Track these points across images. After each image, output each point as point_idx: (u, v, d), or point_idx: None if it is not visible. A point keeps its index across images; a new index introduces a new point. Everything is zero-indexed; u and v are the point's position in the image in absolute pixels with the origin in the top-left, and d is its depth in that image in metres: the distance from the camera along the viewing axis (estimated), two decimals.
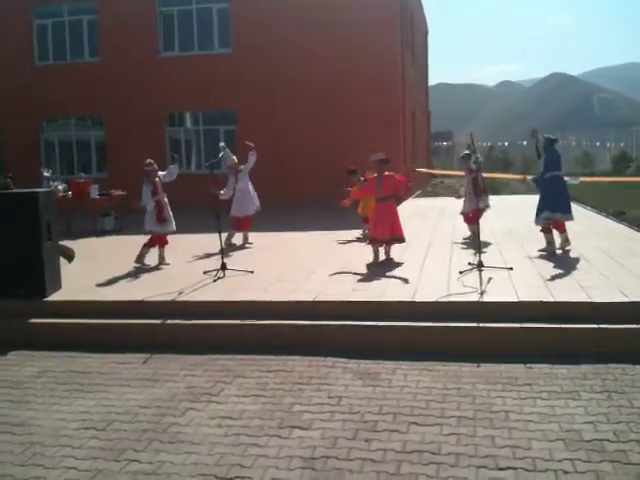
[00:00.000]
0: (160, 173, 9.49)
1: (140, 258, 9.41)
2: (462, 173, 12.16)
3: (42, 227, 7.43)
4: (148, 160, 9.49)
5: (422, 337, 6.13)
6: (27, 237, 7.39)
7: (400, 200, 15.60)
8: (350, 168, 11.27)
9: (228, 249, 10.60)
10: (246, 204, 11.14)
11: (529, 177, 10.03)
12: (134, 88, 20.71)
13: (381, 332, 6.25)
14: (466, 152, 10.72)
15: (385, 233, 8.77)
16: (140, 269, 9.14)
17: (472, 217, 10.06)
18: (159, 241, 9.52)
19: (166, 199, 9.53)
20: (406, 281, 7.52)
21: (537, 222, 9.15)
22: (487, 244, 10.02)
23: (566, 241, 9.08)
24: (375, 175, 9.00)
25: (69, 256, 9.21)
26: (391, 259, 8.93)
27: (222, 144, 11.54)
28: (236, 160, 11.16)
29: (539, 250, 9.06)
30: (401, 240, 9.00)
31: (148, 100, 20.61)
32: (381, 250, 8.97)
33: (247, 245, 11.20)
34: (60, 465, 4.07)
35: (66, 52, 22.04)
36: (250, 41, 20.01)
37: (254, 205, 11.30)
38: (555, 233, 9.09)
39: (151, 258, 9.52)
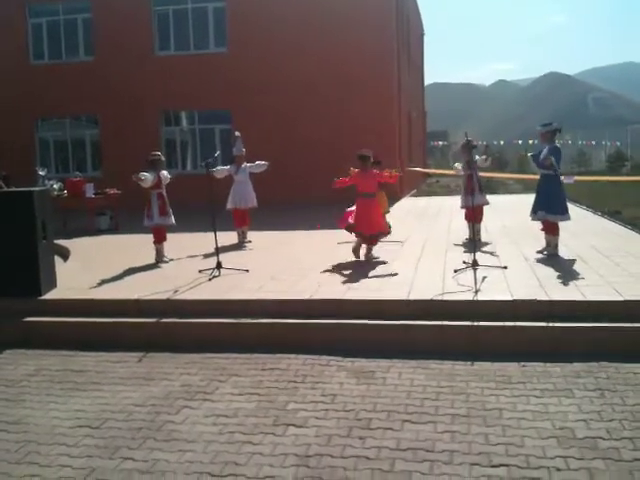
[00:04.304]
0: (164, 172, 9.56)
1: (159, 255, 9.50)
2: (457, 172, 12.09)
3: (37, 226, 7.42)
4: (156, 152, 9.54)
5: (417, 335, 6.14)
6: (22, 236, 7.38)
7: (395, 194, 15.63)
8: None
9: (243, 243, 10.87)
10: (240, 196, 11.14)
11: (529, 154, 9.77)
12: (129, 87, 20.71)
13: (376, 330, 6.26)
14: (468, 139, 10.05)
15: (372, 229, 8.83)
16: (135, 268, 9.10)
17: (472, 215, 9.88)
18: (162, 235, 9.54)
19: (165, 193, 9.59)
20: (401, 280, 7.53)
21: (533, 218, 9.04)
22: (483, 243, 10.04)
23: (555, 247, 8.84)
24: (359, 170, 9.03)
25: (64, 255, 9.20)
26: (371, 258, 8.97)
27: (237, 133, 11.54)
28: (244, 153, 11.23)
29: (537, 251, 8.96)
30: (385, 233, 9.11)
31: (143, 99, 20.61)
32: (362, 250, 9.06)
33: (246, 243, 11.19)
34: (55, 463, 4.07)
35: (61, 51, 22.03)
36: (246, 40, 20.01)
37: (251, 199, 11.30)
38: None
39: (148, 257, 9.52)
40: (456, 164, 11.01)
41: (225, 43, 20.62)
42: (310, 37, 19.60)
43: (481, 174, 11.37)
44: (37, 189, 7.97)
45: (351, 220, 8.93)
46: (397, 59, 20.54)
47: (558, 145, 8.86)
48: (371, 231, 8.85)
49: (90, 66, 21.22)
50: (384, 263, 8.71)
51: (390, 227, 9.91)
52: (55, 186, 14.30)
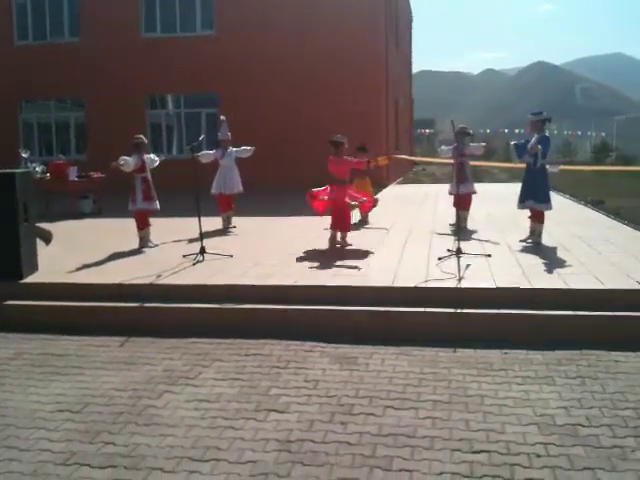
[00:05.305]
0: (150, 155, 9.48)
1: (144, 242, 9.39)
2: (446, 161, 12.01)
3: (19, 208, 7.32)
4: (139, 135, 9.47)
5: (400, 322, 6.15)
6: (3, 218, 7.28)
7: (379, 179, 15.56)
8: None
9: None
10: (225, 181, 11.04)
11: (512, 142, 9.64)
12: (115, 69, 20.49)
13: (359, 317, 6.26)
14: (463, 126, 10.14)
15: (334, 204, 8.82)
16: (118, 252, 9.01)
17: (459, 202, 9.88)
18: (146, 220, 9.46)
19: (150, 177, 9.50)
20: (386, 266, 7.53)
21: (521, 207, 9.05)
22: (468, 231, 10.05)
23: (539, 235, 8.95)
24: (332, 157, 8.98)
25: (46, 238, 9.10)
26: (346, 246, 8.94)
27: (222, 117, 11.43)
28: (230, 137, 11.12)
29: (521, 240, 8.99)
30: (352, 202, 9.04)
31: (129, 81, 20.40)
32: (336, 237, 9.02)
33: (230, 229, 11.12)
34: (35, 447, 4.04)
35: (46, 31, 21.71)
36: (233, 23, 19.84)
37: (236, 185, 11.21)
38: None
39: (131, 241, 9.44)
40: (442, 147, 10.98)
41: (212, 26, 20.42)
42: (298, 21, 19.43)
43: (471, 163, 11.24)
44: (19, 171, 7.85)
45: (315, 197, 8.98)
46: (386, 44, 20.43)
47: (547, 134, 8.87)
48: (333, 205, 8.80)
49: (75, 47, 20.95)
50: (368, 250, 8.70)
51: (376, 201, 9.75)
52: (38, 169, 14.13)
